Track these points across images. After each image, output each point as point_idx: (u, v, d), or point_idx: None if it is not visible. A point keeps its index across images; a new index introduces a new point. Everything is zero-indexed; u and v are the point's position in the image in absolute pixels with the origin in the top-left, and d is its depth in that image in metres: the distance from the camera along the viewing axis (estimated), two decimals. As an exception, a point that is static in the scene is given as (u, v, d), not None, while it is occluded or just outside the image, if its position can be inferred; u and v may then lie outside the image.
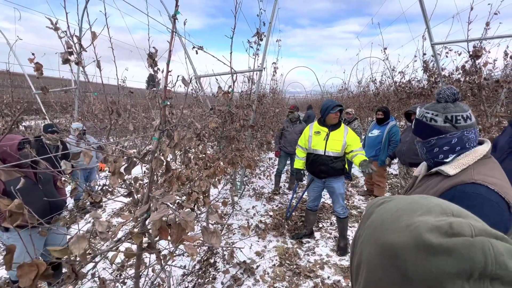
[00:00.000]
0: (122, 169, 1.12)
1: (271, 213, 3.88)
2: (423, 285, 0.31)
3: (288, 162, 4.89)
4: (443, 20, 4.52)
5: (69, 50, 1.53)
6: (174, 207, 1.37)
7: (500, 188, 0.85)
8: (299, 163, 2.93)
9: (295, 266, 2.64)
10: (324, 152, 2.64)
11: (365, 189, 4.72)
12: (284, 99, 18.19)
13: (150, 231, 1.02)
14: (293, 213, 3.74)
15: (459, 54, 3.53)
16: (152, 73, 3.21)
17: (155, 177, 1.19)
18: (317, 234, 3.27)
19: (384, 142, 3.94)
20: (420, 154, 1.09)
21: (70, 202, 3.62)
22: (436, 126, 0.99)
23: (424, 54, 4.32)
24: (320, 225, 3.51)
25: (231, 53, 2.27)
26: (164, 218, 0.97)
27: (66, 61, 1.53)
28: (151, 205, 1.06)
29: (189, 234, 1.01)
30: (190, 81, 1.47)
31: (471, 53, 3.17)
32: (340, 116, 2.64)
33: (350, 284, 2.39)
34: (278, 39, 6.47)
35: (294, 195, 3.92)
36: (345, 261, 2.73)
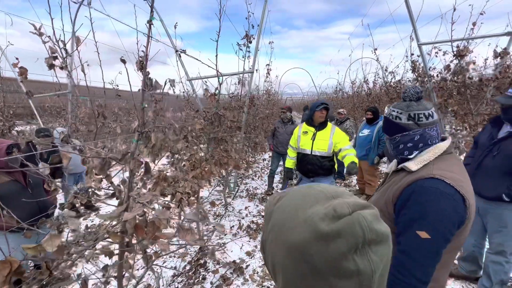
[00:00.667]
0: (107, 171, 1.15)
1: (263, 214, 3.90)
2: (329, 270, 0.34)
3: (281, 162, 4.93)
4: (430, 21, 4.60)
5: (53, 55, 1.56)
6: (158, 207, 1.41)
7: (456, 182, 0.90)
8: (289, 163, 2.98)
9: (284, 265, 2.67)
10: (311, 152, 2.69)
11: (357, 188, 4.76)
12: (281, 100, 18.28)
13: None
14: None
15: (444, 54, 3.59)
16: (142, 77, 3.23)
17: (135, 178, 1.22)
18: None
19: (374, 142, 4.00)
20: (389, 151, 1.14)
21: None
22: (400, 123, 1.03)
23: (412, 54, 4.39)
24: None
25: (216, 55, 2.31)
26: (140, 217, 1.00)
27: (50, 66, 1.56)
28: (129, 204, 1.09)
29: (164, 231, 1.04)
30: (172, 83, 1.50)
31: (455, 53, 3.23)
32: (327, 114, 2.69)
33: None
34: (271, 41, 6.53)
35: None
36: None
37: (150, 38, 1.21)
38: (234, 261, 2.69)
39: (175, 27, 3.40)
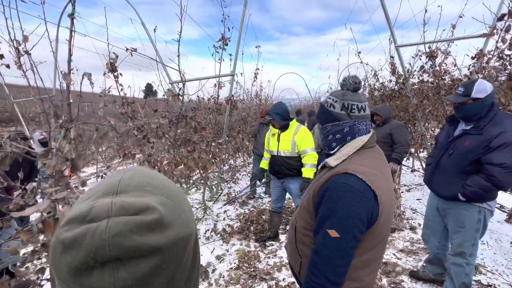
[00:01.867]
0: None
1: (241, 217, 3.85)
2: (71, 282, 0.29)
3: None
4: (403, 23, 4.62)
5: None
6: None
7: (369, 177, 0.87)
8: (263, 163, 3.02)
9: (252, 269, 2.62)
10: (277, 153, 2.72)
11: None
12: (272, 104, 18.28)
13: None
14: (262, 216, 3.72)
15: (416, 56, 3.60)
16: (113, 78, 3.18)
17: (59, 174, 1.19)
18: (282, 237, 3.25)
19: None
20: (320, 141, 1.12)
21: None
22: (333, 112, 0.99)
23: (392, 57, 4.41)
24: (287, 228, 3.49)
25: (178, 56, 2.30)
26: (47, 214, 0.96)
27: None
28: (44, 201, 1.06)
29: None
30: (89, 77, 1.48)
31: (427, 54, 3.24)
32: (279, 119, 2.65)
33: None
34: (257, 46, 6.59)
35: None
36: (305, 263, 2.71)
37: (72, 32, 1.19)
38: (200, 265, 2.63)
39: (154, 31, 3.42)
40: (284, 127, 2.69)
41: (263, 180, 4.08)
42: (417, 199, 4.28)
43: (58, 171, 1.22)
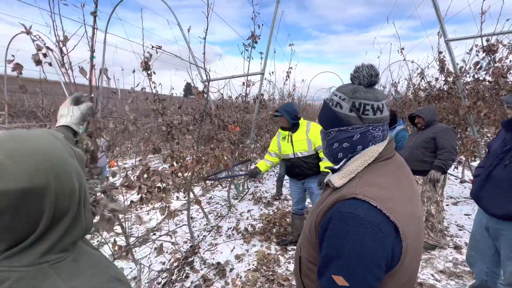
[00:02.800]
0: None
1: (263, 218, 3.79)
2: None
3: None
4: (458, 11, 4.06)
5: (41, 52, 1.69)
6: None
7: (386, 203, 0.65)
8: (262, 164, 2.87)
9: (271, 273, 2.54)
10: (294, 155, 2.61)
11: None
12: (310, 105, 17.80)
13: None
14: (286, 219, 3.61)
15: (471, 51, 3.13)
16: (146, 76, 3.36)
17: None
18: (306, 242, 3.11)
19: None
20: (323, 150, 0.88)
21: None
22: (340, 113, 0.77)
23: (440, 52, 3.93)
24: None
25: (204, 53, 2.33)
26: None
27: (37, 62, 1.69)
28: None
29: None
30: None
31: (485, 48, 2.79)
32: (287, 118, 2.54)
33: None
34: (291, 44, 6.46)
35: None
36: (327, 273, 2.55)
37: (95, 29, 1.24)
38: (218, 263, 2.64)
39: (188, 30, 3.54)
40: (293, 127, 2.59)
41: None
42: (465, 214, 3.75)
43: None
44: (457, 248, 2.88)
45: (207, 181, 5.12)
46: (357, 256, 0.62)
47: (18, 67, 1.81)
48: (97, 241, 3.19)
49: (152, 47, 2.02)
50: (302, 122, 2.63)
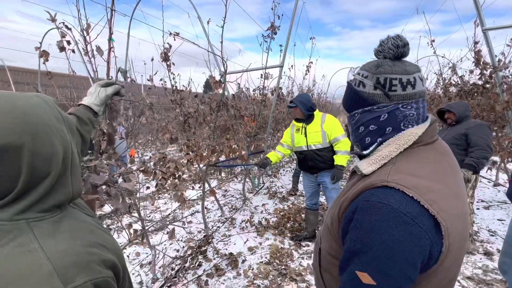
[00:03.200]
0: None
1: (277, 213, 3.74)
2: None
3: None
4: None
5: (65, 39, 1.74)
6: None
7: (425, 193, 0.55)
8: (273, 155, 2.77)
9: (283, 267, 2.49)
10: (307, 147, 2.53)
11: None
12: (330, 103, 17.33)
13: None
14: (301, 215, 3.54)
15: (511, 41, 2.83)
16: (166, 67, 3.40)
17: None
18: (321, 239, 3.02)
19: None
20: (351, 138, 0.80)
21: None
22: (363, 93, 0.68)
23: (476, 43, 3.61)
24: (328, 230, 3.23)
25: (221, 42, 2.30)
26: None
27: (61, 49, 1.75)
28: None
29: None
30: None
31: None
32: (302, 109, 2.44)
33: None
34: (312, 37, 6.28)
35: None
36: (342, 271, 2.45)
37: (113, 11, 1.24)
38: (231, 253, 2.63)
39: (208, 23, 3.54)
40: (308, 119, 2.51)
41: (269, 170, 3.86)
42: (498, 220, 3.45)
43: (97, 143, 1.31)
44: (487, 254, 2.66)
45: (219, 170, 5.14)
46: (387, 252, 0.54)
47: (44, 54, 1.88)
48: (116, 226, 3.33)
49: (170, 33, 2.02)
50: (317, 114, 2.55)
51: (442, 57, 5.59)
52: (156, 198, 4.35)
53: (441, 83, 5.20)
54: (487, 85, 3.56)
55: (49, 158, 0.43)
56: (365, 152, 0.70)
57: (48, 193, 0.44)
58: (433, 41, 4.91)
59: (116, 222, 3.46)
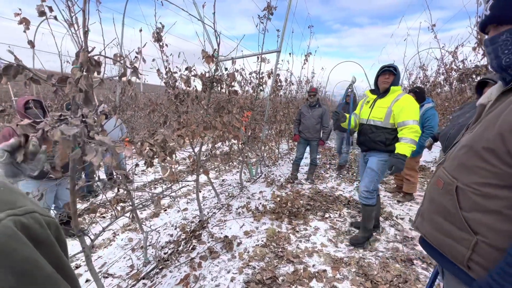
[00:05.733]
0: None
1: (275, 199, 3.64)
2: None
3: (308, 149, 4.55)
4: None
5: (45, 3, 1.62)
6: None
7: None
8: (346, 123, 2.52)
9: (280, 250, 2.40)
10: (367, 121, 2.32)
11: (395, 185, 4.07)
12: (329, 99, 17.17)
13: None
14: (300, 201, 3.45)
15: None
16: (158, 48, 3.26)
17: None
18: (320, 224, 2.93)
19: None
20: (490, 64, 0.73)
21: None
22: None
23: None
24: (327, 215, 3.14)
25: (214, 13, 2.19)
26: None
27: (41, 13, 1.63)
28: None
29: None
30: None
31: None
32: (394, 80, 2.22)
33: (337, 275, 2.05)
34: (310, 26, 6.18)
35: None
36: (341, 253, 2.36)
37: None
38: (225, 236, 2.54)
39: (203, 7, 3.43)
40: (383, 93, 2.25)
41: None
42: None
43: (74, 103, 1.21)
44: None
45: (220, 165, 5.03)
46: None
47: (24, 20, 1.77)
48: (110, 215, 3.23)
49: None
50: (395, 89, 2.22)
51: (443, 47, 5.49)
52: (153, 187, 4.26)
53: (441, 68, 5.09)
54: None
55: None
56: None
57: None
58: (434, 25, 4.80)
59: (110, 211, 3.36)
